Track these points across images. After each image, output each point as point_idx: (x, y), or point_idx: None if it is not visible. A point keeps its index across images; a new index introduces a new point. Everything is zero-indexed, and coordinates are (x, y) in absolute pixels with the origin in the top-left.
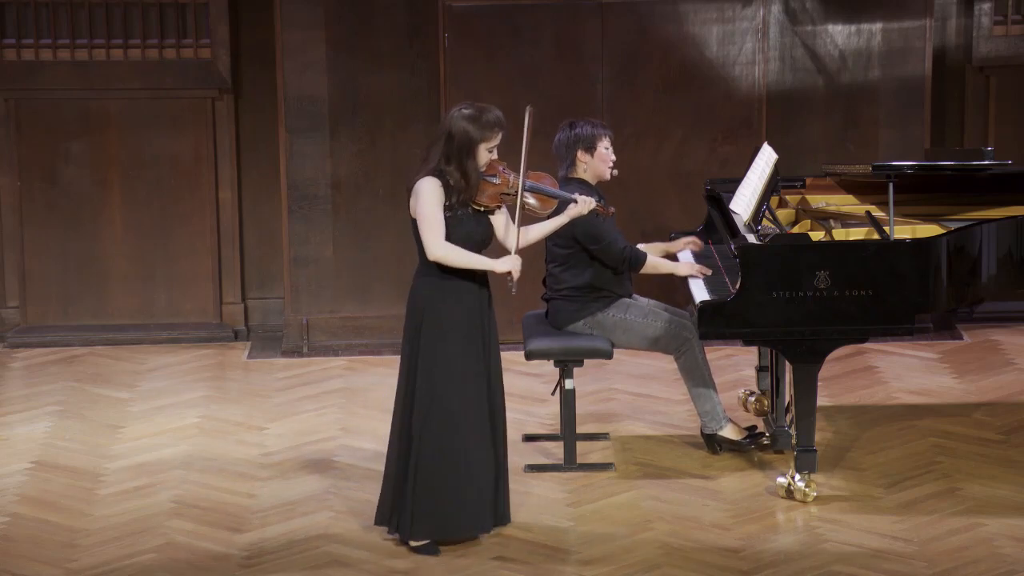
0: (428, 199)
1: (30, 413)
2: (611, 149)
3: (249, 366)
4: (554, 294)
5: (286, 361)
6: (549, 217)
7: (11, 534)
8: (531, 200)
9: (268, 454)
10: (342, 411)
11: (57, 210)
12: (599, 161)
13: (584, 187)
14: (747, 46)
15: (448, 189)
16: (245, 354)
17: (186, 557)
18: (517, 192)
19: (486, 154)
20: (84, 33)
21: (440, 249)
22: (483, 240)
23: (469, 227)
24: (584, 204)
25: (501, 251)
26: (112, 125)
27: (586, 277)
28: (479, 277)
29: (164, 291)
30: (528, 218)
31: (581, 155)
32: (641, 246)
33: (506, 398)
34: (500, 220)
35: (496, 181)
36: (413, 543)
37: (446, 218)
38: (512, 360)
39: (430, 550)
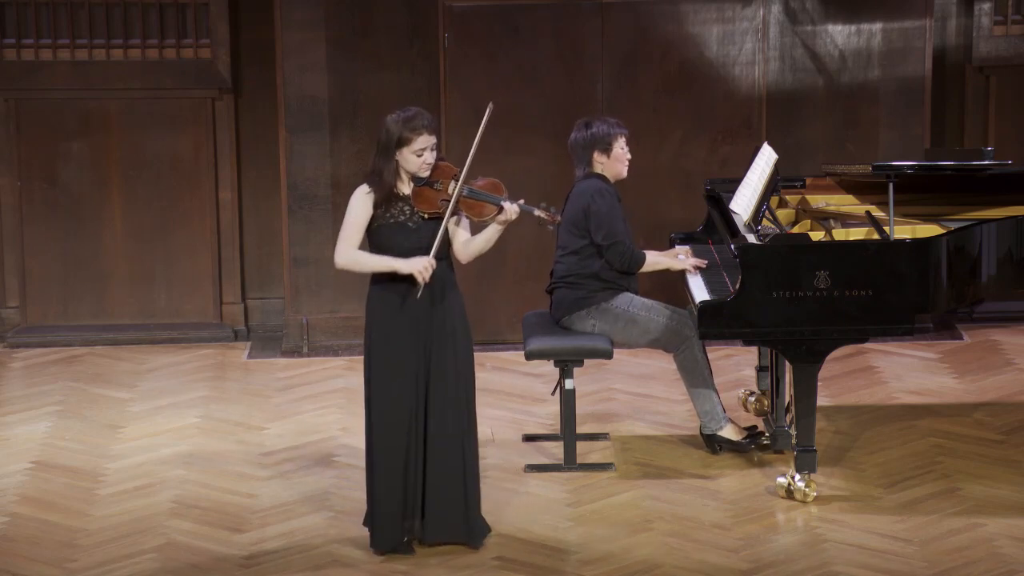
0: (351, 206)
1: (30, 413)
2: (627, 148)
3: (249, 366)
4: (559, 283)
5: (286, 361)
6: (488, 222)
7: (11, 534)
8: (463, 209)
9: (268, 454)
10: (342, 411)
11: (57, 210)
12: (615, 161)
13: (602, 180)
14: (747, 46)
15: (377, 193)
16: (245, 354)
17: (186, 557)
18: (452, 199)
19: (414, 159)
20: (84, 33)
21: (342, 258)
22: (416, 250)
23: (399, 237)
24: (510, 212)
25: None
26: (112, 125)
27: (594, 268)
28: (410, 279)
29: (164, 291)
30: (473, 226)
31: (598, 156)
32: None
33: (506, 398)
34: (462, 234)
35: (438, 187)
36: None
37: (373, 225)
38: (512, 360)
39: (404, 549)
